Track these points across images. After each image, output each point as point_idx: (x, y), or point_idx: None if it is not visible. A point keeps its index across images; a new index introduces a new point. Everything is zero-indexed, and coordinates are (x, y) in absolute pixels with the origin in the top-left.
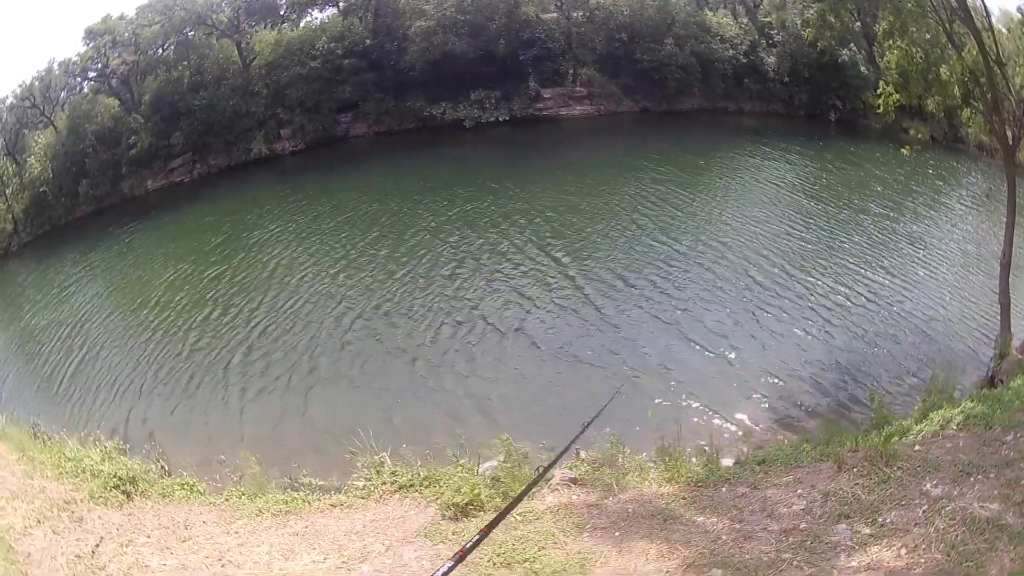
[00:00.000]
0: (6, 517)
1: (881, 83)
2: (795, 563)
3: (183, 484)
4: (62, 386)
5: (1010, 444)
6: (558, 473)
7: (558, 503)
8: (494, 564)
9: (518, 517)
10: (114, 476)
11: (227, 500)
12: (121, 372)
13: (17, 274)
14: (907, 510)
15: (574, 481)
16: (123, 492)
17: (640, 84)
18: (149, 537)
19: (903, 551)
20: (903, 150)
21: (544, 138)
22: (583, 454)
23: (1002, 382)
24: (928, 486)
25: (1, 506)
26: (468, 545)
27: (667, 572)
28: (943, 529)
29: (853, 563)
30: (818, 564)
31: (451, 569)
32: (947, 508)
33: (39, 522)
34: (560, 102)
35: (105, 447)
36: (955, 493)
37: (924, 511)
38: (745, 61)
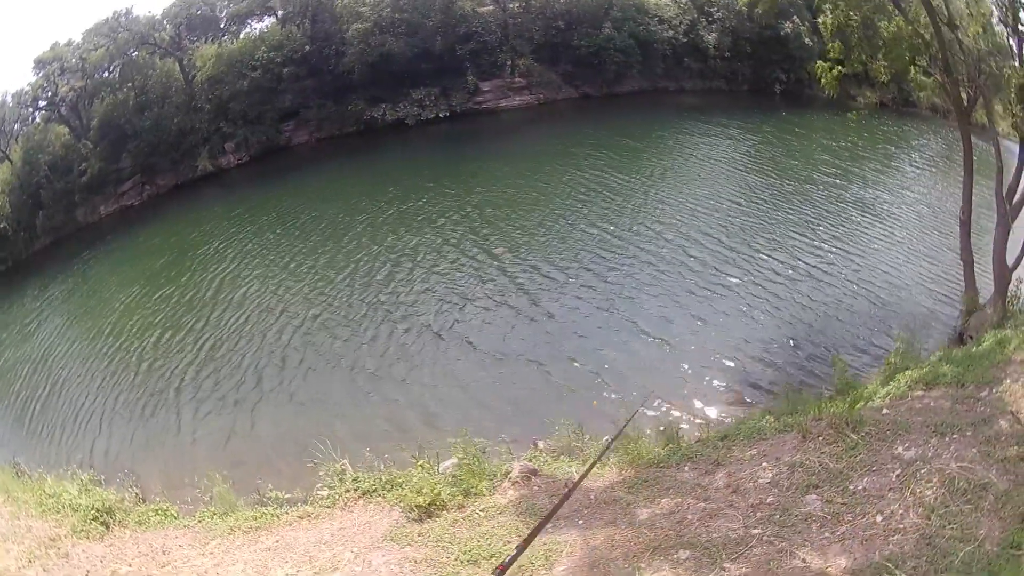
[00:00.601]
0: (1, 560)
1: (819, 62)
2: (765, 538)
3: (157, 510)
4: (34, 423)
5: (986, 400)
6: (517, 465)
7: (520, 496)
8: (461, 562)
9: (481, 513)
10: (92, 509)
11: (200, 521)
12: (84, 403)
13: None
14: (879, 475)
15: (534, 472)
16: (102, 523)
17: (579, 70)
18: (131, 566)
19: (878, 518)
20: (849, 115)
21: (483, 131)
22: (541, 444)
23: (972, 338)
24: (900, 449)
25: None
26: (507, 560)
27: (633, 557)
28: (920, 493)
29: (827, 534)
30: (789, 538)
31: (516, 557)
32: (922, 471)
33: (30, 562)
34: (499, 94)
35: (81, 480)
36: (930, 455)
37: (898, 475)
38: (685, 40)
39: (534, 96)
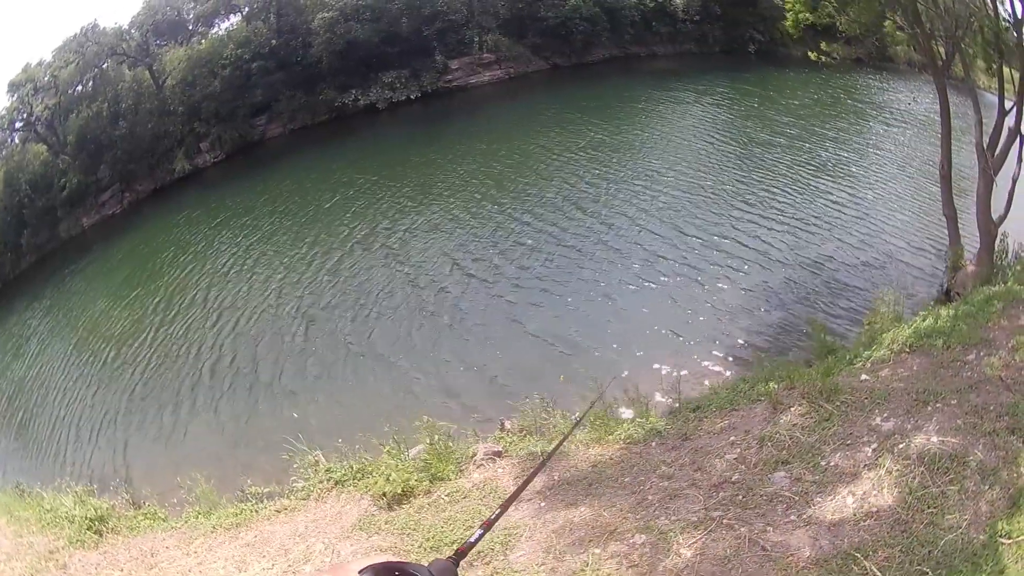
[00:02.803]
0: None
1: (788, 3)
2: (724, 521)
3: (147, 514)
4: (30, 439)
5: (972, 364)
6: (482, 447)
7: (483, 479)
8: (424, 549)
9: (446, 498)
10: (86, 519)
11: (186, 522)
12: (75, 416)
13: None
14: (853, 450)
15: (498, 454)
16: (96, 532)
17: (547, 41)
18: (122, 571)
19: (849, 499)
20: (810, 54)
21: (454, 109)
22: (507, 424)
23: (959, 295)
24: (878, 420)
25: (1, 569)
26: (492, 516)
27: (589, 542)
28: (897, 471)
29: (792, 517)
30: (751, 522)
31: (480, 538)
32: (900, 445)
33: (32, 575)
34: (469, 71)
35: (75, 492)
36: (909, 427)
37: (874, 449)
38: (652, 5)
39: (504, 70)
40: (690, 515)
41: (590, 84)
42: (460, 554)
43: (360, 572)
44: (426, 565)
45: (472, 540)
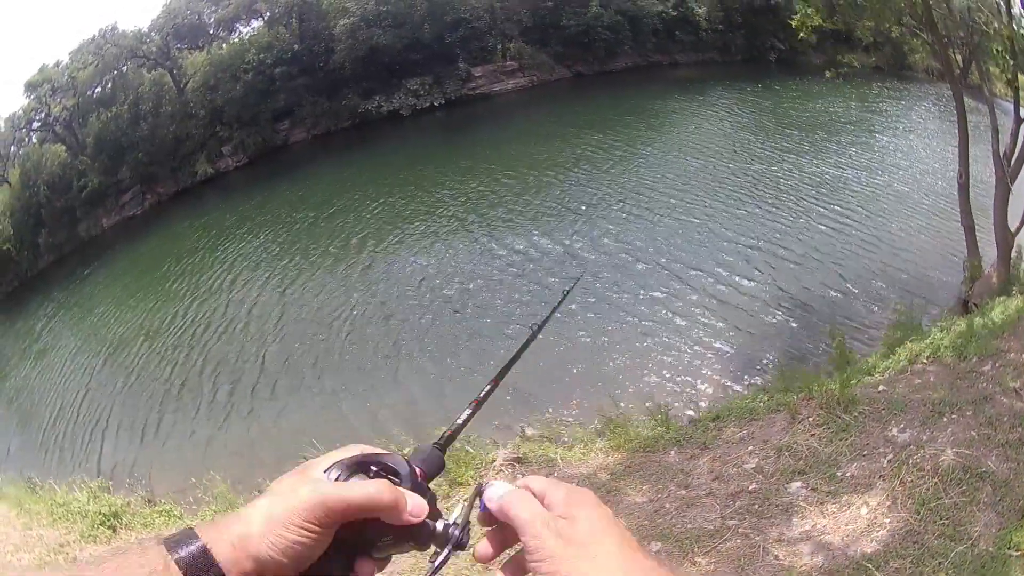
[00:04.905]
0: (15, 567)
1: (799, 5)
2: (740, 530)
3: (162, 511)
4: (45, 436)
5: (988, 375)
6: (501, 453)
7: None
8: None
9: (464, 503)
10: (100, 514)
11: (201, 520)
12: (92, 413)
13: None
14: (869, 461)
15: (518, 460)
16: (109, 527)
17: (570, 50)
18: None
19: (863, 510)
20: (827, 74)
21: (478, 117)
22: (528, 431)
23: (976, 306)
24: (894, 431)
25: (8, 560)
26: (481, 395)
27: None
28: (911, 482)
29: (807, 527)
30: (765, 531)
31: (469, 418)
32: (915, 456)
33: (40, 567)
34: (492, 79)
35: (90, 488)
36: (925, 438)
37: (889, 460)
38: (675, 13)
39: (527, 78)
40: (707, 523)
41: (614, 92)
42: (448, 438)
43: (326, 471)
44: (404, 456)
45: (460, 422)
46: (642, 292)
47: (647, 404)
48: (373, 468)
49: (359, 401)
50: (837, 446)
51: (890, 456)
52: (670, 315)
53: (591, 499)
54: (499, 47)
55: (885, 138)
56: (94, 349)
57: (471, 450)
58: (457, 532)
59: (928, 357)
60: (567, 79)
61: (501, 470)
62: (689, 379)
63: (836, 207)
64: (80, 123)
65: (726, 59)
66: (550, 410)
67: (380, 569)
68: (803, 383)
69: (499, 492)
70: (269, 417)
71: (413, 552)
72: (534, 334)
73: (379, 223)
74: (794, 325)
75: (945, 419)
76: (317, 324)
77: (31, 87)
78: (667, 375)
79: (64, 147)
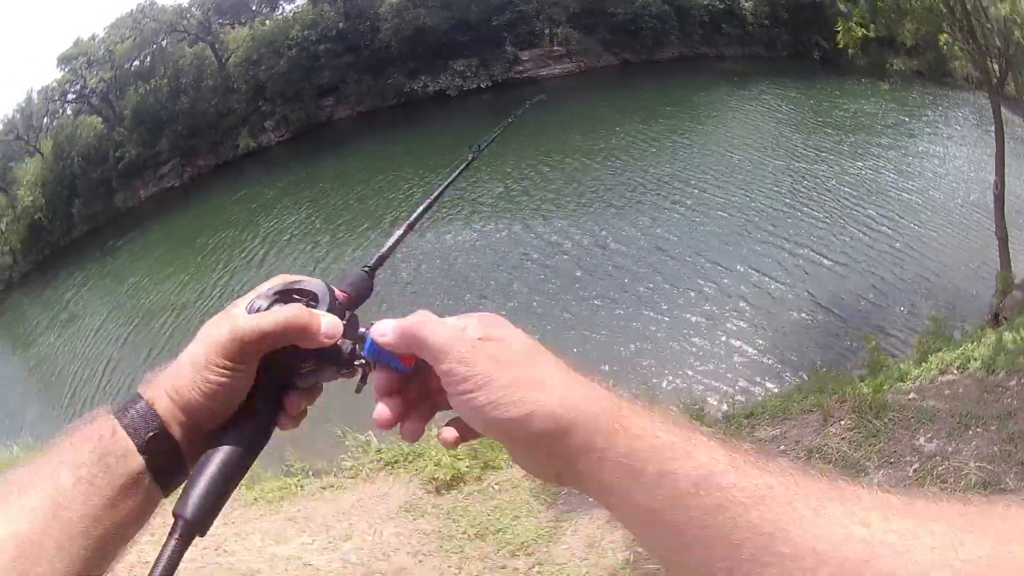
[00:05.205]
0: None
1: (840, 20)
2: None
3: None
4: (68, 405)
5: (1013, 391)
6: None
7: None
8: (468, 536)
9: (496, 487)
10: None
11: None
12: (116, 382)
13: (21, 303)
14: (896, 468)
15: None
16: None
17: (617, 37)
18: (152, 535)
19: None
20: (883, 84)
21: (523, 101)
22: None
23: (1007, 319)
24: (921, 440)
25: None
26: (413, 218)
27: (632, 540)
28: (933, 492)
29: None
30: None
31: (399, 239)
32: (941, 467)
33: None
34: (539, 63)
35: None
36: (950, 449)
37: (915, 470)
38: (721, 6)
39: (574, 64)
40: None
41: (661, 82)
42: (379, 260)
43: (247, 305)
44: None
45: (391, 243)
46: (676, 286)
47: (682, 398)
48: (295, 296)
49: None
50: (866, 451)
51: (916, 466)
52: (706, 309)
53: (507, 321)
54: (546, 32)
55: (923, 144)
56: (122, 319)
57: None
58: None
59: (958, 368)
60: (614, 66)
61: None
62: (722, 375)
63: (872, 210)
64: (117, 96)
65: (771, 54)
66: None
67: (311, 400)
68: (836, 385)
69: (391, 323)
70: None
71: None
72: (474, 157)
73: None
74: (826, 326)
75: (971, 432)
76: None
77: (65, 60)
78: (701, 370)
79: (100, 119)
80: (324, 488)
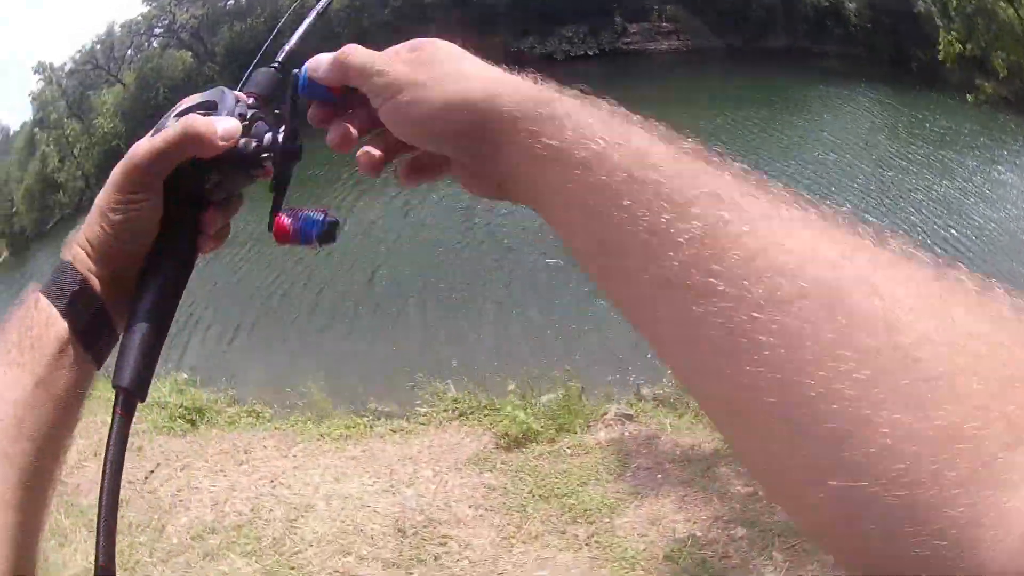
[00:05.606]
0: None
1: (942, 32)
2: None
3: (250, 411)
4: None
5: None
6: (614, 408)
7: (609, 438)
8: (533, 496)
9: (567, 450)
10: (180, 407)
11: (292, 425)
12: (185, 308)
13: None
14: None
15: (629, 418)
16: (189, 421)
17: (723, 21)
18: (207, 462)
19: None
20: (968, 97)
21: (630, 73)
22: (645, 391)
23: None
24: None
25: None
26: (320, 7)
27: (693, 523)
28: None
29: None
30: None
31: (311, 26)
32: None
33: (95, 455)
34: (647, 37)
35: (176, 380)
36: None
37: None
38: (827, 4)
39: (681, 42)
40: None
41: (764, 70)
42: (287, 55)
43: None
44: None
45: (300, 32)
46: None
47: None
48: (198, 112)
49: (459, 334)
50: None
51: None
52: None
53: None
54: (655, 7)
55: (1004, 172)
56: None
57: (586, 401)
58: (279, 135)
59: None
60: (720, 49)
61: (610, 424)
62: None
63: (953, 231)
64: (209, 32)
65: (871, 58)
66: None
67: (232, 213)
68: None
69: (326, 57)
70: (369, 338)
71: None
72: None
73: None
74: None
75: None
76: (430, 253)
77: None
78: None
79: (190, 54)
80: (394, 431)
